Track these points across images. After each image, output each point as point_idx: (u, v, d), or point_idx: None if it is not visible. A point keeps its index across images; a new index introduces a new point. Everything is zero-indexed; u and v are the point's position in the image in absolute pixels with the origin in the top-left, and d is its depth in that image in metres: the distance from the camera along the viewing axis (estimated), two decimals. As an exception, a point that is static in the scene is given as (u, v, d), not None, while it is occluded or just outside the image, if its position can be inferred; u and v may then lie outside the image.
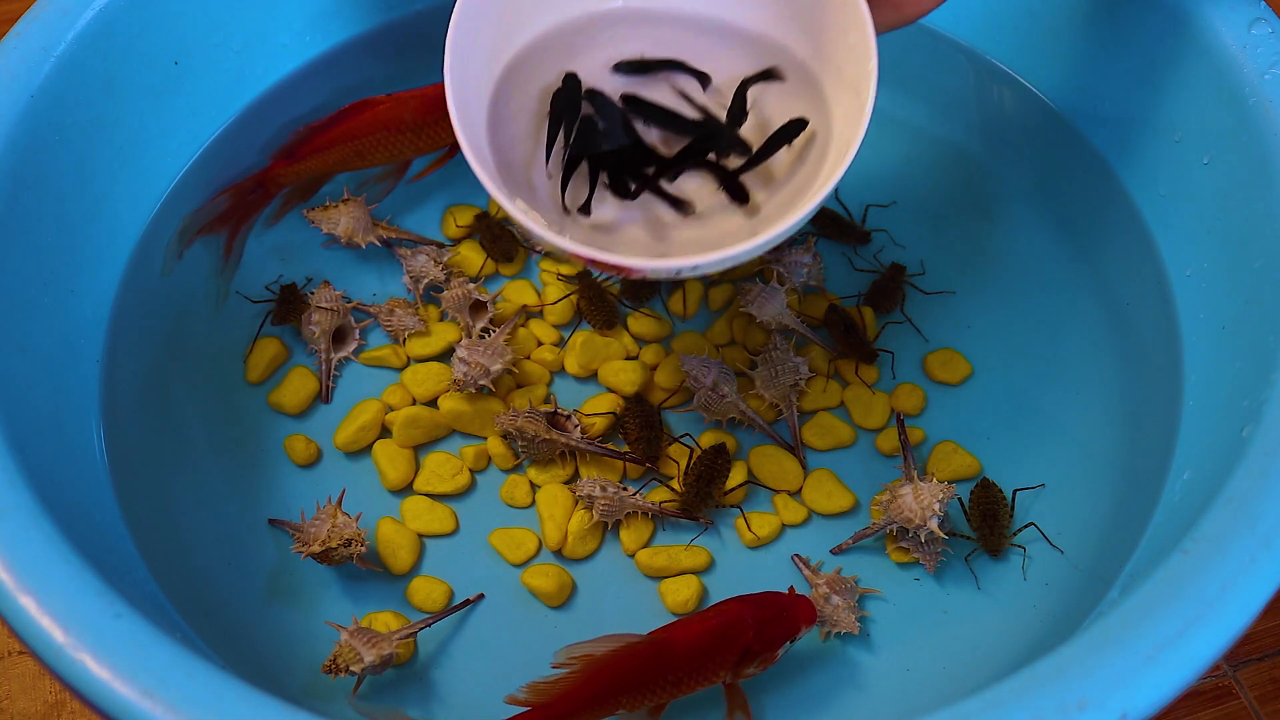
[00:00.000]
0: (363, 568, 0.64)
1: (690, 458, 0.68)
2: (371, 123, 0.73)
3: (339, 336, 0.73)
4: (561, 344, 0.73)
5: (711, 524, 0.67)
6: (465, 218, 0.78)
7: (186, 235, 0.73)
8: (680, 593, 0.65)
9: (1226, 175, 0.62)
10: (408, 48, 0.80)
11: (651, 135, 0.61)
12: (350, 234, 0.74)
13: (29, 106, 0.62)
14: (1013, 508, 0.65)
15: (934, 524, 0.62)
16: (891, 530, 0.64)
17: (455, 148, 0.73)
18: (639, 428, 0.68)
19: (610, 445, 0.68)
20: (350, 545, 0.62)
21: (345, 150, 0.74)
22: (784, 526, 0.67)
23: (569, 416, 0.68)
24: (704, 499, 0.66)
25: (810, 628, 0.60)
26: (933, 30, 0.78)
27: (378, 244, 0.75)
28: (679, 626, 0.59)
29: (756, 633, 0.58)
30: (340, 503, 0.64)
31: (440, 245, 0.77)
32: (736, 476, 0.68)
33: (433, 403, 0.71)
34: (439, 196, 0.79)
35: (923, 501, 0.62)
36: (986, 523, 0.64)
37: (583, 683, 0.57)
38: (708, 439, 0.69)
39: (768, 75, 0.60)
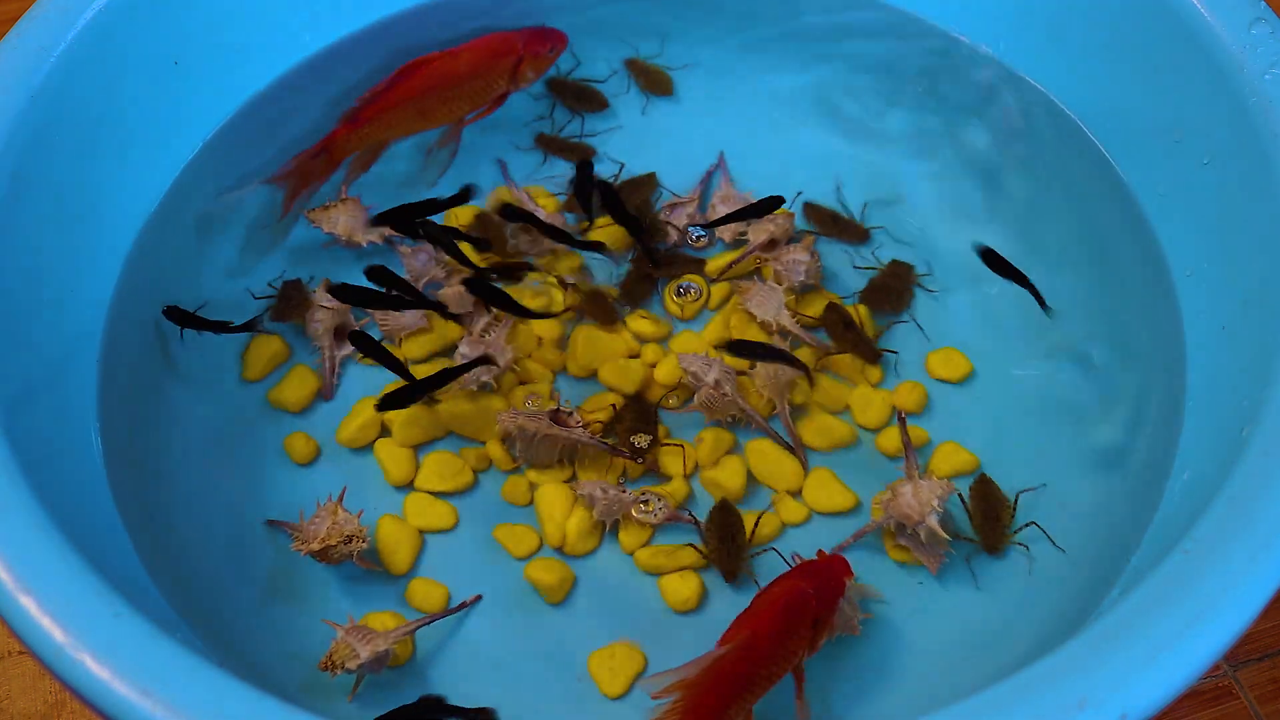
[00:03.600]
0: (362, 566, 0.64)
1: (703, 526, 0.66)
2: (428, 79, 0.74)
3: (340, 334, 0.73)
4: (562, 344, 0.73)
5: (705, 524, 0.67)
6: (465, 216, 0.78)
7: (245, 183, 0.74)
8: (681, 590, 0.65)
9: (1227, 175, 0.62)
10: (405, 44, 0.80)
11: None
12: (350, 233, 0.74)
13: (29, 106, 0.62)
14: (1015, 507, 0.65)
15: (933, 520, 0.62)
16: (889, 527, 0.64)
17: (504, 96, 0.76)
18: (634, 422, 0.69)
19: (610, 441, 0.68)
20: (351, 542, 0.62)
21: (408, 111, 0.74)
22: (784, 526, 0.67)
23: (571, 413, 0.68)
24: (737, 556, 0.64)
25: (852, 579, 0.60)
26: (935, 27, 0.78)
27: (378, 242, 0.75)
28: (749, 621, 0.57)
29: (819, 599, 0.58)
30: (341, 499, 0.64)
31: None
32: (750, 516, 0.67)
33: (433, 401, 0.71)
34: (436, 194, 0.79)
35: (921, 498, 0.62)
36: (988, 521, 0.64)
37: (693, 707, 0.54)
38: (708, 437, 0.69)
39: None
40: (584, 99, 0.82)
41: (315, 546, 0.62)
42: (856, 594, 0.63)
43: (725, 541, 0.64)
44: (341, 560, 0.63)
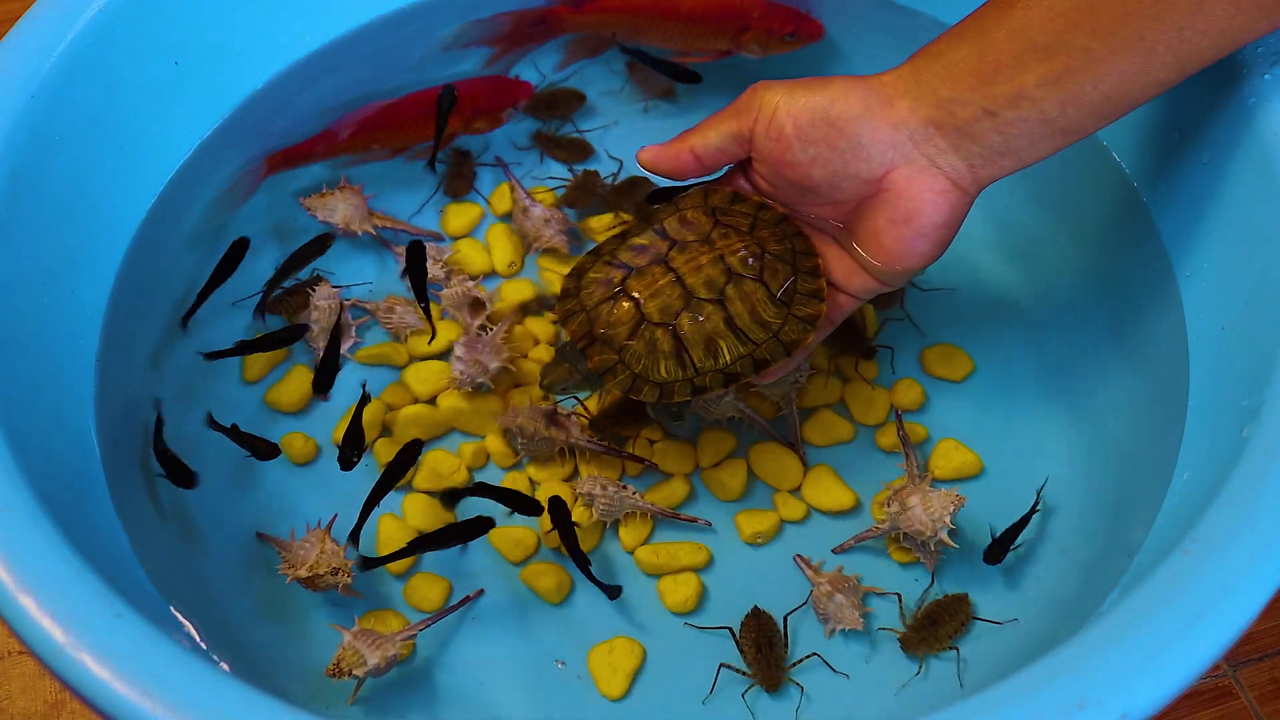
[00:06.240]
0: (346, 596, 0.63)
1: (737, 636, 0.64)
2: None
3: (338, 335, 0.72)
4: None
5: (709, 524, 0.67)
6: (461, 219, 0.78)
7: (463, 39, 0.77)
8: (679, 591, 0.65)
9: (1227, 175, 0.62)
10: (404, 42, 0.80)
11: None
12: (348, 222, 0.74)
13: (29, 106, 0.62)
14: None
15: (945, 535, 0.62)
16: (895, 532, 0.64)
17: (726, 52, 0.78)
18: (620, 417, 0.69)
19: (609, 443, 0.68)
20: (336, 574, 0.62)
21: (629, 19, 0.77)
22: (783, 524, 0.67)
23: (568, 414, 0.68)
24: (777, 667, 0.62)
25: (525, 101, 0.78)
26: (935, 20, 0.78)
27: (373, 234, 0.75)
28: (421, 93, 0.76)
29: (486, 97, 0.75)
30: (330, 527, 0.63)
31: (439, 241, 0.77)
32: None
33: (433, 400, 0.71)
34: (430, 190, 0.79)
35: (933, 513, 0.62)
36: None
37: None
38: (708, 437, 0.69)
39: None
40: (569, 148, 0.81)
41: (302, 573, 0.61)
42: (859, 592, 0.63)
43: (763, 650, 0.62)
44: (327, 589, 0.62)
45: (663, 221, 0.62)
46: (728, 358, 0.60)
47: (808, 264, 0.61)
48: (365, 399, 0.68)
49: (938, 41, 0.57)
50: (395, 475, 0.65)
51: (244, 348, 0.70)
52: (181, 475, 0.64)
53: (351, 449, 0.66)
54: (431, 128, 0.76)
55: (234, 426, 0.66)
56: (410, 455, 0.66)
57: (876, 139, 0.57)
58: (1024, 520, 0.63)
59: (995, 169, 0.57)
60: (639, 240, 0.62)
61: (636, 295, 0.60)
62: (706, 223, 0.62)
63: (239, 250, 0.72)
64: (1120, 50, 0.52)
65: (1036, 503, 0.65)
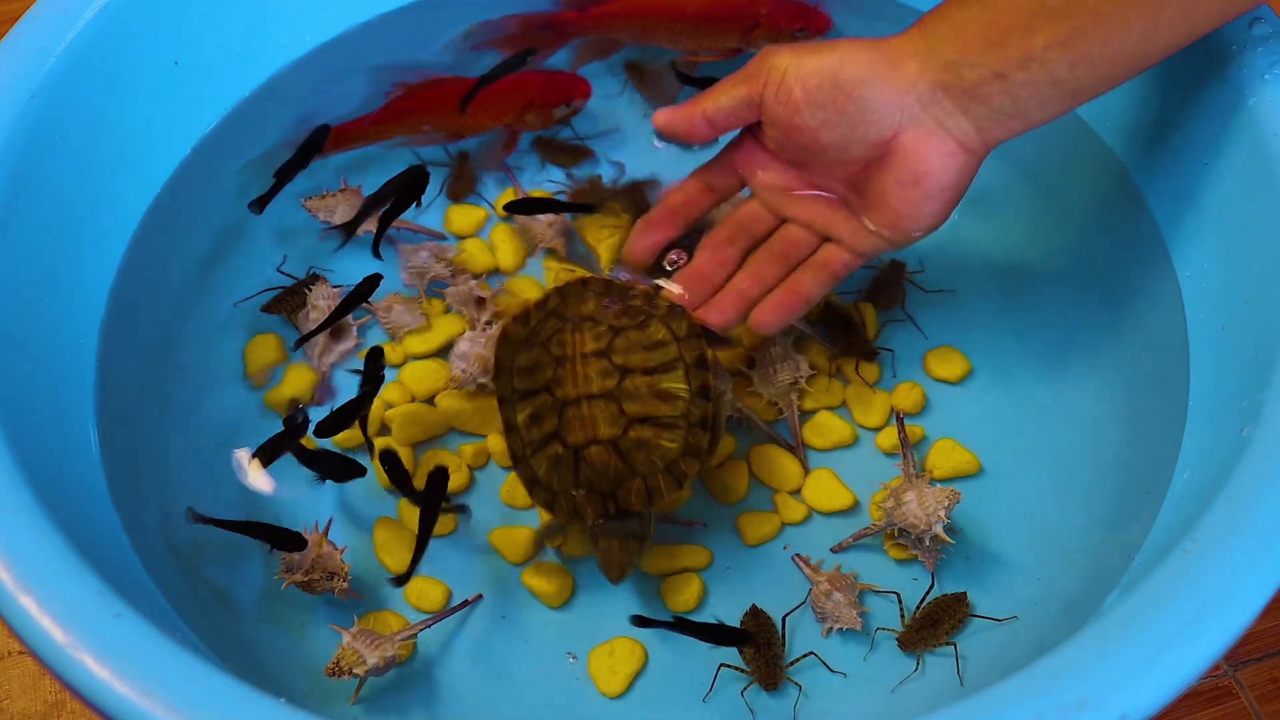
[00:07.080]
0: (343, 599, 0.63)
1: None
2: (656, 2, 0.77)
3: (337, 333, 0.73)
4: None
5: (704, 525, 0.67)
6: (464, 221, 0.78)
7: (472, 39, 0.77)
8: (681, 591, 0.65)
9: (1226, 175, 0.62)
10: (405, 41, 0.80)
11: None
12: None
13: (29, 106, 0.62)
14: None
15: (939, 529, 0.62)
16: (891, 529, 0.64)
17: (735, 51, 0.78)
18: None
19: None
20: (333, 579, 0.62)
21: (636, 22, 0.78)
22: (784, 525, 0.67)
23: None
24: (775, 666, 0.62)
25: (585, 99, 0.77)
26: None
27: (374, 232, 0.75)
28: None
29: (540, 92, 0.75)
30: (328, 530, 0.63)
31: (442, 240, 0.77)
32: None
33: (431, 400, 0.71)
34: (433, 191, 0.79)
35: (927, 508, 0.62)
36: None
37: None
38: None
39: None
40: (570, 153, 0.81)
41: (298, 578, 0.61)
42: (856, 590, 0.63)
43: (762, 649, 0.62)
44: (323, 592, 0.62)
45: (513, 380, 0.63)
46: (682, 385, 0.60)
47: (620, 286, 0.64)
48: (370, 382, 0.65)
49: (946, 4, 0.57)
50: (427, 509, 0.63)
51: (331, 319, 0.69)
52: (289, 540, 0.62)
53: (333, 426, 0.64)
54: (487, 115, 0.76)
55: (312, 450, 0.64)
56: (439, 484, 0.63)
57: (884, 101, 0.57)
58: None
59: (1003, 130, 0.57)
60: (529, 410, 0.62)
61: (587, 439, 0.60)
62: (543, 354, 0.62)
63: (320, 135, 0.73)
64: (1130, 10, 0.53)
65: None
